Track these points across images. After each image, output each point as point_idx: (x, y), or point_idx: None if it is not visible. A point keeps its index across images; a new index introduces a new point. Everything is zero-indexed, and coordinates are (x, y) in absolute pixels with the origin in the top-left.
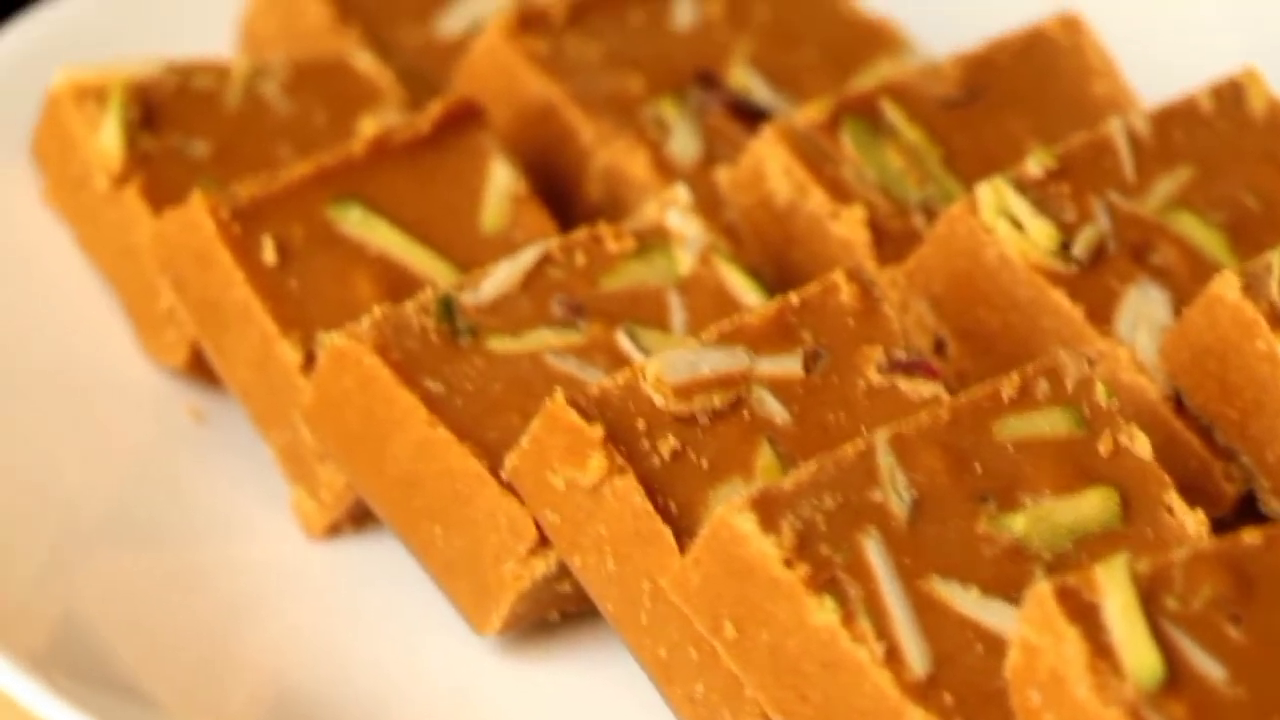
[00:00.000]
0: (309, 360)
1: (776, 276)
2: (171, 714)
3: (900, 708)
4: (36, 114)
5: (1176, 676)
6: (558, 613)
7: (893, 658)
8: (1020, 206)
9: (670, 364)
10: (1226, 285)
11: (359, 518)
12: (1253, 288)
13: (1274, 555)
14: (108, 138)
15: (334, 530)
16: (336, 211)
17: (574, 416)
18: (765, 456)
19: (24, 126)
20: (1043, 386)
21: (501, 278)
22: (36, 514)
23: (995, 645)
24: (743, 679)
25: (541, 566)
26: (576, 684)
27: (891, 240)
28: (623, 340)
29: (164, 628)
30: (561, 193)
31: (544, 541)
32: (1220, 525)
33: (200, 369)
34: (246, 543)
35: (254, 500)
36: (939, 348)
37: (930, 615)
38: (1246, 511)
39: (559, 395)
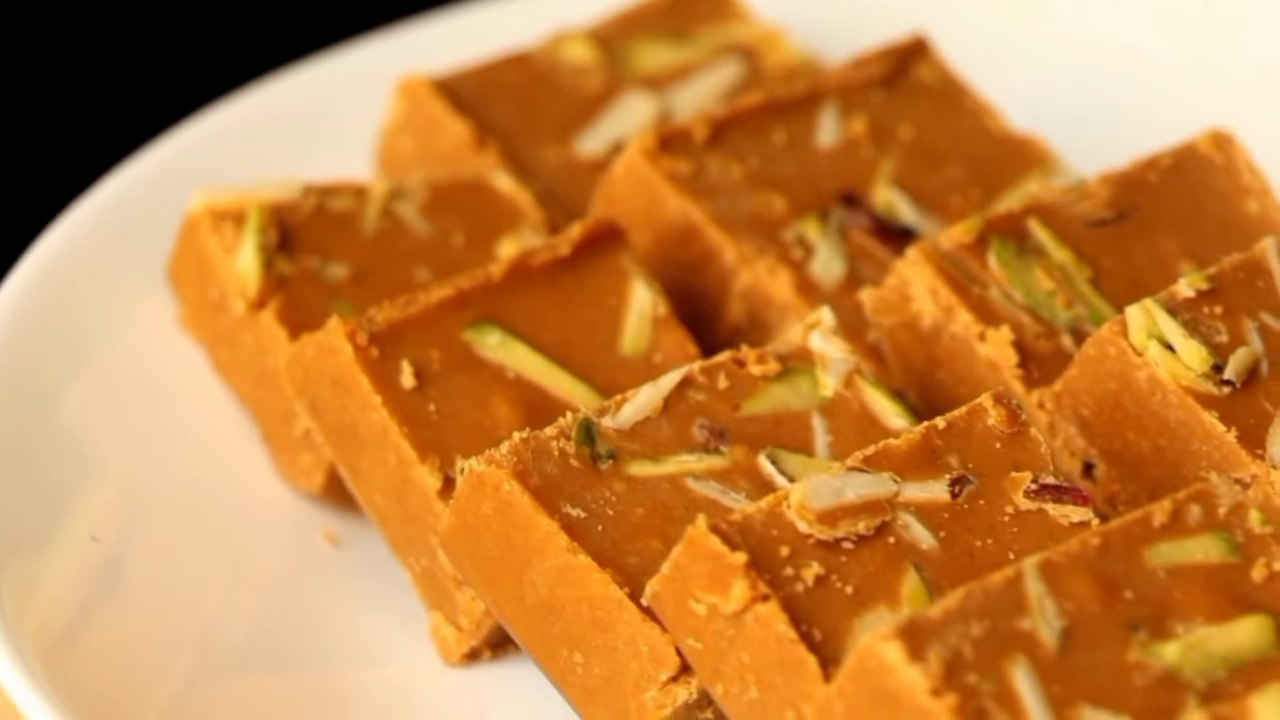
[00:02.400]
0: (447, 485)
1: (921, 398)
2: None
3: None
4: (173, 237)
5: None
6: None
7: None
8: (1171, 328)
9: (815, 490)
10: None
11: (497, 644)
12: None
13: None
14: (245, 261)
15: (472, 657)
16: (475, 335)
17: (716, 543)
18: (911, 583)
19: (161, 250)
20: (1195, 512)
21: (642, 402)
22: (174, 638)
23: None
24: None
25: (683, 694)
26: None
27: (1039, 362)
28: (765, 465)
29: None
30: (703, 314)
31: (685, 669)
32: None
33: (337, 493)
34: (384, 668)
35: (391, 626)
36: (1088, 471)
37: None
38: None
39: (701, 521)
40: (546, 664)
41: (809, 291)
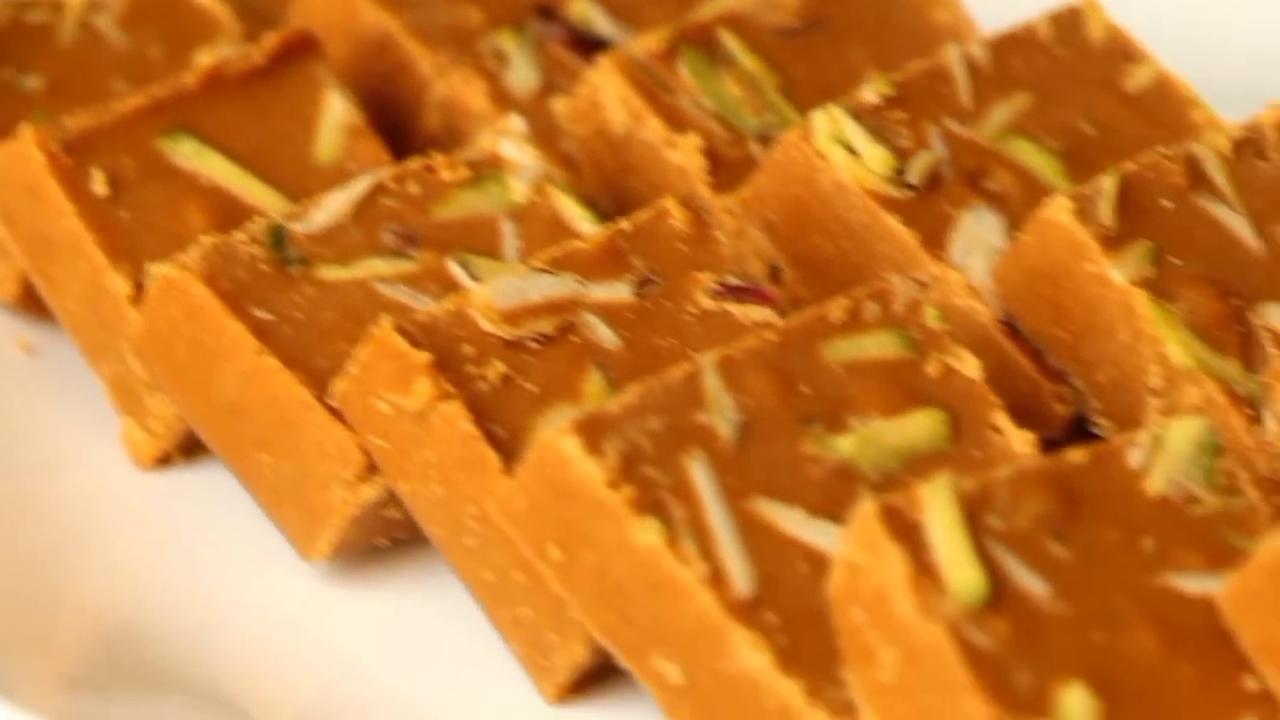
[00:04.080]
0: (139, 291)
1: (614, 205)
2: None
3: (723, 627)
4: None
5: (999, 593)
6: (387, 539)
7: (716, 578)
8: (855, 133)
9: (499, 290)
10: (1058, 209)
11: (189, 448)
12: (1084, 211)
13: (1098, 473)
14: None
15: (164, 461)
16: (169, 143)
17: (400, 342)
18: (594, 381)
19: None
20: (871, 309)
21: (333, 207)
22: None
23: (821, 565)
24: (568, 601)
25: (369, 493)
26: (405, 610)
27: (728, 168)
28: (454, 268)
29: None
30: (399, 124)
31: (372, 468)
32: (1052, 446)
33: (30, 302)
34: (76, 474)
35: (84, 432)
36: (775, 274)
37: (755, 536)
38: (1078, 433)
39: (385, 321)
40: (237, 466)
41: (503, 101)
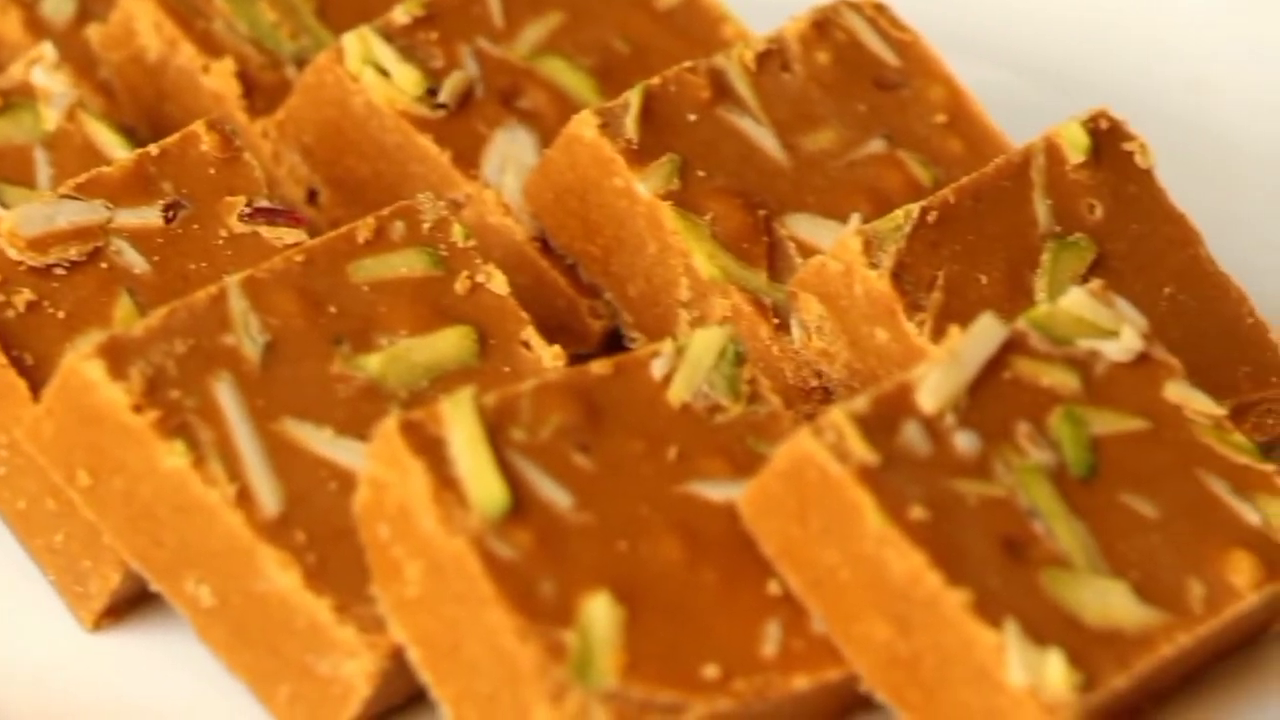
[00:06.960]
0: None
1: (153, 132)
2: None
3: (252, 548)
4: None
5: (522, 505)
6: None
7: (244, 499)
8: (386, 54)
9: (24, 217)
10: (583, 124)
11: None
12: (609, 126)
13: (622, 384)
14: None
15: None
16: None
17: None
18: (124, 307)
19: None
20: (398, 228)
21: None
22: None
23: (350, 483)
24: (100, 526)
25: None
26: None
27: (264, 93)
28: None
29: None
30: None
31: None
32: (588, 361)
33: None
34: None
35: None
36: (312, 197)
37: (283, 456)
38: (614, 347)
39: None
40: None
41: (39, 30)
